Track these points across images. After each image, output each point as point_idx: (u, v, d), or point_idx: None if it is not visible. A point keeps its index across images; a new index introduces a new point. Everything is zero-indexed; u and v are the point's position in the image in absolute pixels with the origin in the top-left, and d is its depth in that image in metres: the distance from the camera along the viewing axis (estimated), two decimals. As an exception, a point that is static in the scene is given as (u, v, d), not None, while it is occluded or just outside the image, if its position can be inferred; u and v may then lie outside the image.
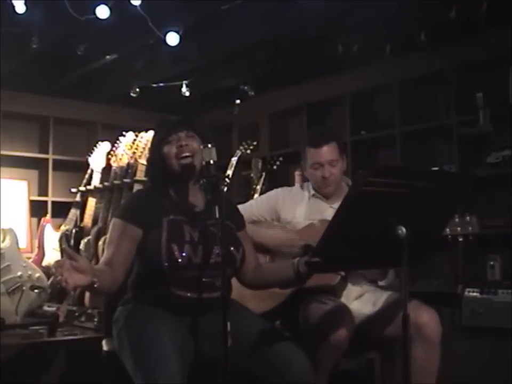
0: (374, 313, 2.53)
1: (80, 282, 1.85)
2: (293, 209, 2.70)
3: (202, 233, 2.14)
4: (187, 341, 2.10)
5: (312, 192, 2.72)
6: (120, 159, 4.66)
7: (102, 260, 2.15)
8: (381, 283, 2.69)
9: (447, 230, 2.42)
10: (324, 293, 2.51)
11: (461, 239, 2.42)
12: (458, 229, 2.36)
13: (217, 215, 1.97)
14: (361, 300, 2.60)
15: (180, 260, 2.06)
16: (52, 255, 4.79)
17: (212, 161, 2.05)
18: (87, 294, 4.11)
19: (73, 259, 1.86)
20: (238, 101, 5.42)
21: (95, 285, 1.91)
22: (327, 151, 2.61)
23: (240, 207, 2.67)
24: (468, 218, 2.34)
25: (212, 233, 2.12)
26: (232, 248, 2.16)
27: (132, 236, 2.12)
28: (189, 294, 2.12)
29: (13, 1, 3.69)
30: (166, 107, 5.90)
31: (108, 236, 2.20)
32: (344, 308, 2.46)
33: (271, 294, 2.57)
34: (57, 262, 1.88)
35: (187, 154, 2.16)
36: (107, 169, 4.81)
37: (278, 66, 4.97)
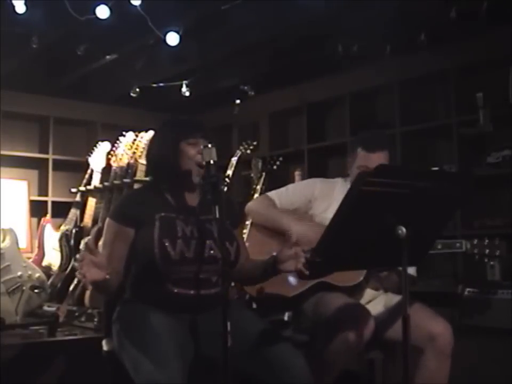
0: (381, 314, 2.53)
1: (97, 277, 1.88)
2: (327, 202, 2.64)
3: (196, 228, 2.15)
4: (187, 340, 2.11)
5: None
6: (120, 159, 4.65)
7: None
8: None
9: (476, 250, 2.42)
10: (339, 291, 2.50)
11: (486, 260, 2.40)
12: (487, 251, 2.37)
13: (217, 215, 1.97)
14: (374, 302, 2.61)
15: (172, 255, 2.07)
16: (52, 255, 4.78)
17: (212, 161, 2.05)
18: (87, 294, 4.10)
19: (93, 254, 1.88)
20: (238, 101, 5.41)
21: (107, 280, 1.94)
22: (379, 158, 2.58)
23: (273, 192, 2.65)
24: (496, 242, 2.36)
25: (206, 228, 2.14)
26: (227, 243, 2.15)
27: (125, 237, 2.15)
28: (186, 291, 2.12)
29: (13, 1, 3.69)
30: (166, 107, 5.90)
31: (103, 236, 2.23)
32: (366, 309, 2.44)
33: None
34: (80, 256, 1.89)
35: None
36: (107, 169, 4.81)
37: (278, 66, 4.97)
